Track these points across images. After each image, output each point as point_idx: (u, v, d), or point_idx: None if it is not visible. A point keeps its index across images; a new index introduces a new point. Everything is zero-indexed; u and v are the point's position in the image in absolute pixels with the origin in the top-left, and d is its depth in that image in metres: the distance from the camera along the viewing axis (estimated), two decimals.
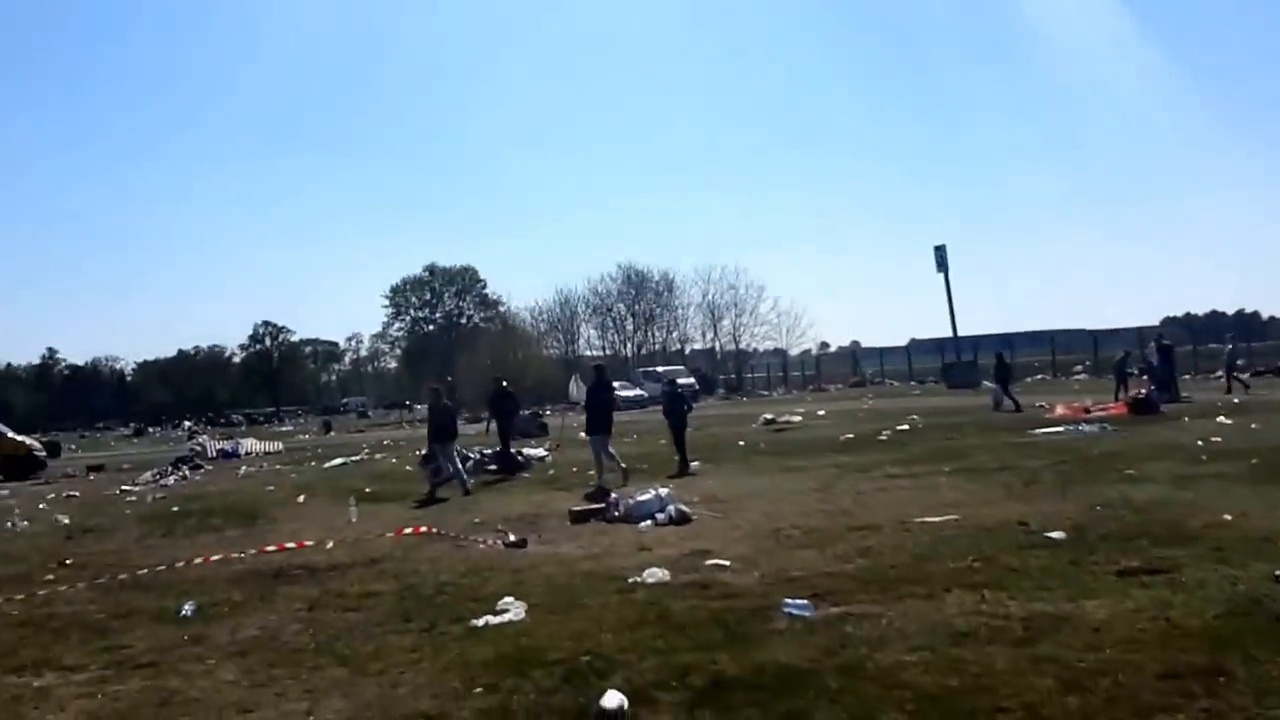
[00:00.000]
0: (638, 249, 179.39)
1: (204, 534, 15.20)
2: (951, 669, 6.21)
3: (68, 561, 13.17)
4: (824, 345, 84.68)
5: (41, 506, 21.10)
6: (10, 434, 34.64)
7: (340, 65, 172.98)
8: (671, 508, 12.88)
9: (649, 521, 12.58)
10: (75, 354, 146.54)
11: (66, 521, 17.82)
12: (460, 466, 18.55)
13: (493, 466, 20.81)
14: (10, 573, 12.69)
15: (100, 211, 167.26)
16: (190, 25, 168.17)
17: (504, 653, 7.26)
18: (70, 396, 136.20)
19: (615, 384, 58.55)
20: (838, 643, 6.93)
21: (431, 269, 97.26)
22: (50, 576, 12.14)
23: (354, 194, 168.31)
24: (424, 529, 13.33)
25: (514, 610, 8.53)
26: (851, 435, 23.83)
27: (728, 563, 9.91)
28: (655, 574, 9.45)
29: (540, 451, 23.05)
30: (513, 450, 21.77)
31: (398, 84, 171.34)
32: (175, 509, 18.62)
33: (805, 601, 8.01)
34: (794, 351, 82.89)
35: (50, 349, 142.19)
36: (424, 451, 19.97)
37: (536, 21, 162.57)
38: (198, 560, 12.25)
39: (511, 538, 12.19)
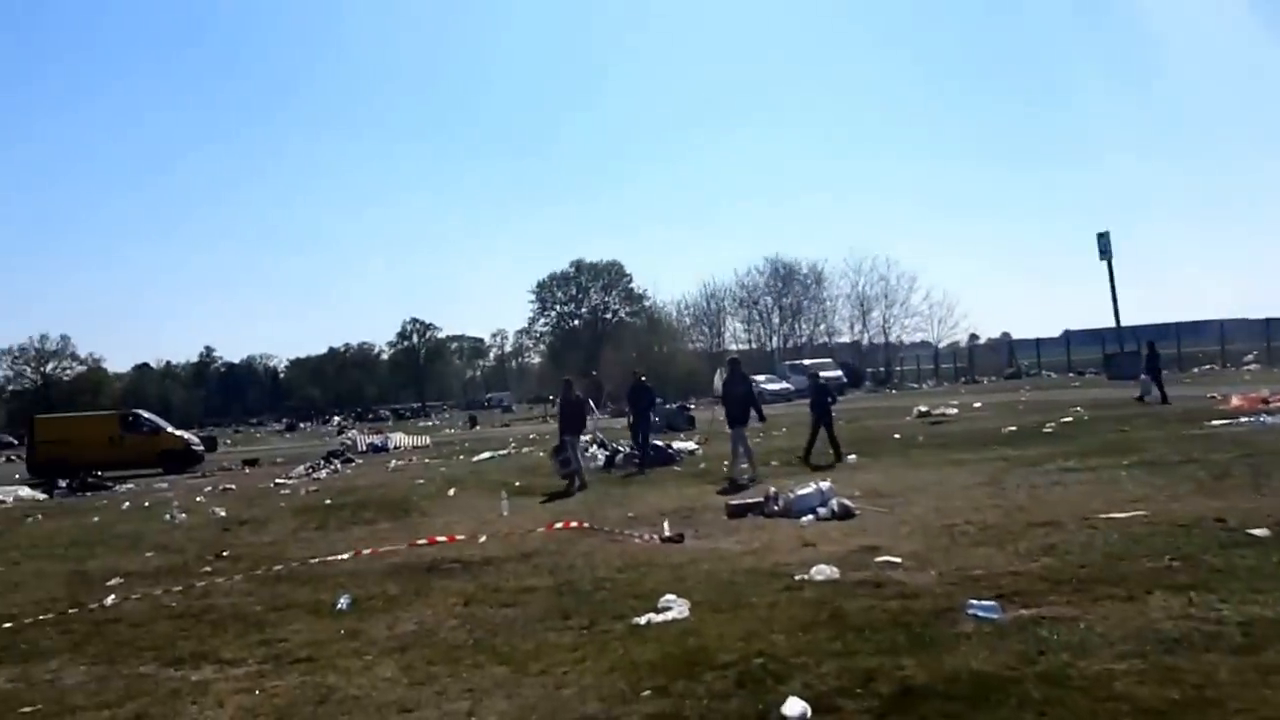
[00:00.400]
0: (786, 241, 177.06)
1: (357, 527, 15.22)
2: (1168, 679, 5.55)
3: (224, 553, 13.27)
4: (973, 337, 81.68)
5: (199, 499, 21.59)
6: (169, 429, 35.92)
7: (484, 62, 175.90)
8: (834, 502, 12.29)
9: (810, 516, 12.01)
10: (231, 352, 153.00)
11: (223, 514, 18.11)
12: (580, 460, 18.44)
13: (637, 460, 20.44)
14: (169, 564, 12.84)
15: (254, 216, 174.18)
16: (335, 30, 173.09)
17: (671, 653, 6.83)
18: (226, 393, 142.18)
19: (760, 377, 58.62)
20: (1034, 649, 6.29)
21: (578, 264, 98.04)
22: (208, 568, 12.21)
23: (500, 191, 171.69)
24: (576, 523, 13.02)
25: (677, 608, 8.09)
26: (1014, 428, 22.69)
27: (899, 560, 9.28)
28: (823, 571, 8.89)
29: (690, 445, 22.61)
30: (662, 443, 21.36)
31: (543, 80, 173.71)
32: (328, 502, 18.79)
33: (992, 603, 7.36)
34: (944, 343, 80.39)
35: (208, 348, 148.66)
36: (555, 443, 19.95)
37: (683, 10, 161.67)
38: (351, 554, 12.18)
39: (667, 532, 11.77)
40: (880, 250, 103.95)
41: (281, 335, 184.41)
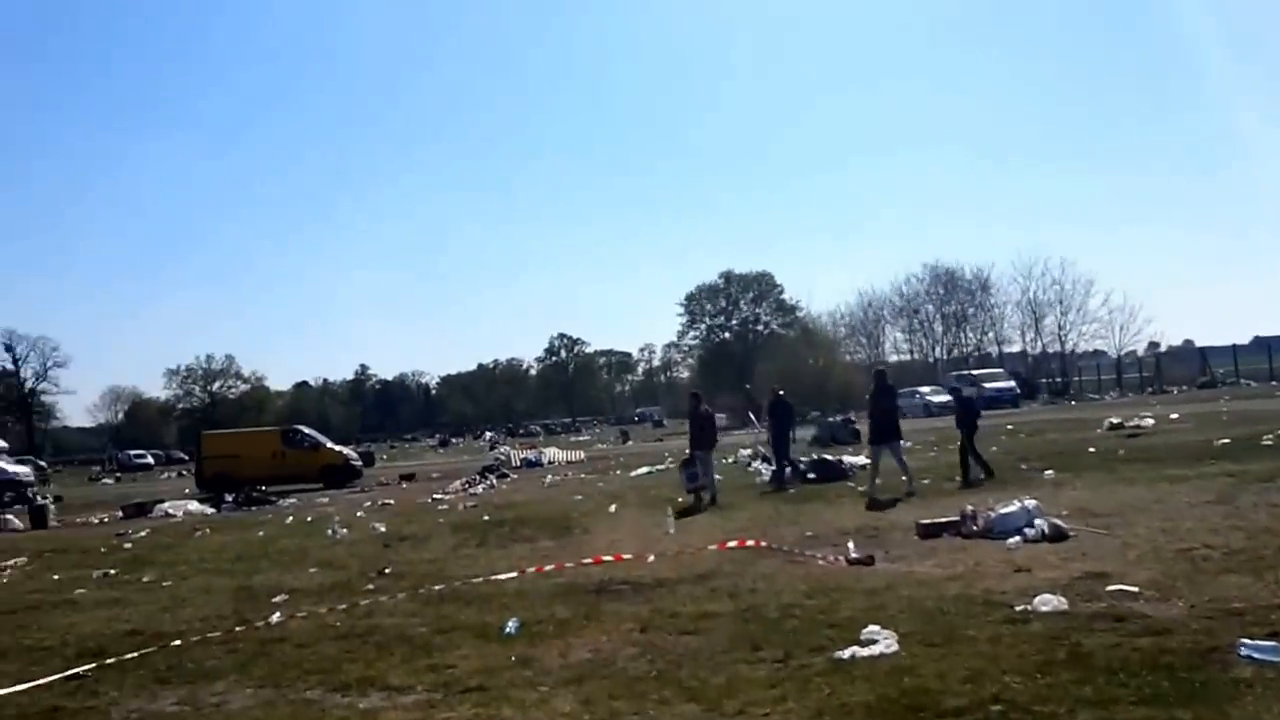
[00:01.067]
0: (946, 247, 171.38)
1: (517, 544, 14.65)
2: None
3: (386, 570, 12.84)
4: (1152, 345, 76.32)
5: (359, 514, 21.44)
6: (329, 444, 36.33)
7: (627, 72, 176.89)
8: (1042, 522, 11.11)
9: (1017, 538, 10.86)
10: (385, 370, 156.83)
11: (383, 530, 17.82)
12: (711, 476, 17.91)
13: (811, 475, 19.44)
14: (332, 581, 12.46)
15: (406, 237, 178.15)
16: (482, 49, 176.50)
17: (886, 695, 5.96)
18: (380, 409, 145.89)
19: (925, 388, 56.66)
20: None
21: (727, 275, 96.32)
22: (370, 586, 11.77)
23: (647, 205, 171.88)
24: (751, 542, 12.14)
25: (883, 641, 7.16)
26: (1226, 440, 20.76)
27: (1136, 589, 8.13)
28: (1049, 601, 7.83)
29: (860, 459, 21.42)
30: (833, 458, 20.33)
31: (692, 90, 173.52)
32: (486, 518, 18.33)
33: (1273, 643, 6.21)
34: (1125, 351, 75.46)
35: (363, 365, 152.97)
36: (684, 457, 19.34)
37: (829, 14, 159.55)
38: (515, 573, 11.56)
39: (854, 553, 10.79)
40: (1053, 253, 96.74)
41: (433, 353, 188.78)
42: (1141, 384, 66.61)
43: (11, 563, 16.45)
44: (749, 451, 26.93)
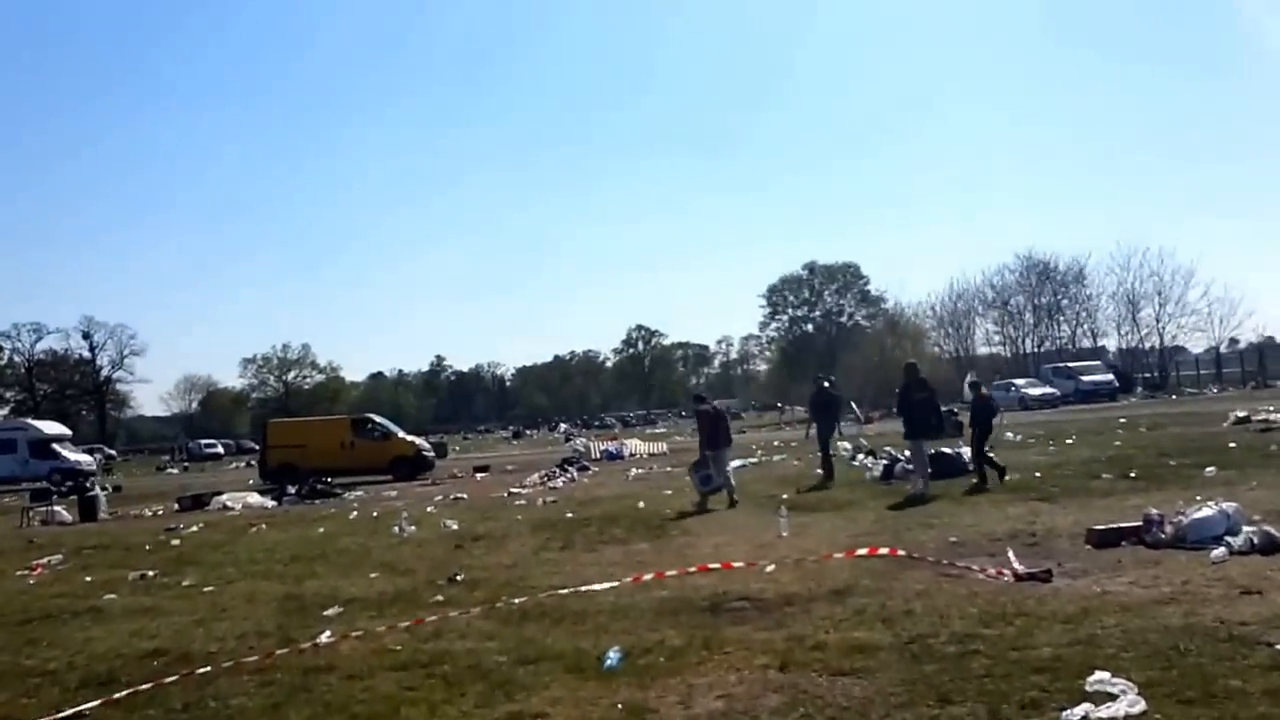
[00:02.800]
0: (1042, 235, 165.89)
1: (608, 546, 12.88)
2: None
3: (458, 577, 11.12)
4: (1233, 341, 72.14)
5: (429, 509, 19.86)
6: (400, 434, 34.85)
7: (712, 68, 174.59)
8: (1249, 530, 9.10)
9: (1221, 549, 8.83)
10: (461, 361, 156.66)
11: (454, 527, 16.19)
12: (730, 477, 17.02)
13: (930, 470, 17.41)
14: (396, 589, 10.79)
15: (484, 229, 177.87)
16: (556, 40, 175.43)
17: None
18: (455, 401, 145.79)
19: (1020, 381, 54.09)
20: None
21: (811, 267, 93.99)
22: (439, 596, 10.08)
23: (728, 196, 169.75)
24: (887, 550, 10.22)
25: (1123, 696, 5.35)
26: None
27: None
28: None
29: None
30: (952, 451, 18.26)
31: (774, 81, 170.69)
32: (570, 515, 16.60)
33: None
34: (1225, 344, 71.64)
35: (438, 356, 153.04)
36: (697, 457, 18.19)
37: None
38: (609, 583, 9.78)
39: (1017, 565, 8.85)
40: (1151, 243, 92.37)
41: (509, 344, 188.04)
42: (1243, 378, 63.09)
43: (45, 560, 14.98)
44: (850, 445, 24.91)
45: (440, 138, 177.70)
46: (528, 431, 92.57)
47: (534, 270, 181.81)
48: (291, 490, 26.13)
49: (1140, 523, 9.87)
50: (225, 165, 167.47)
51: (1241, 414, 26.29)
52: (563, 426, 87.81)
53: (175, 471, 56.69)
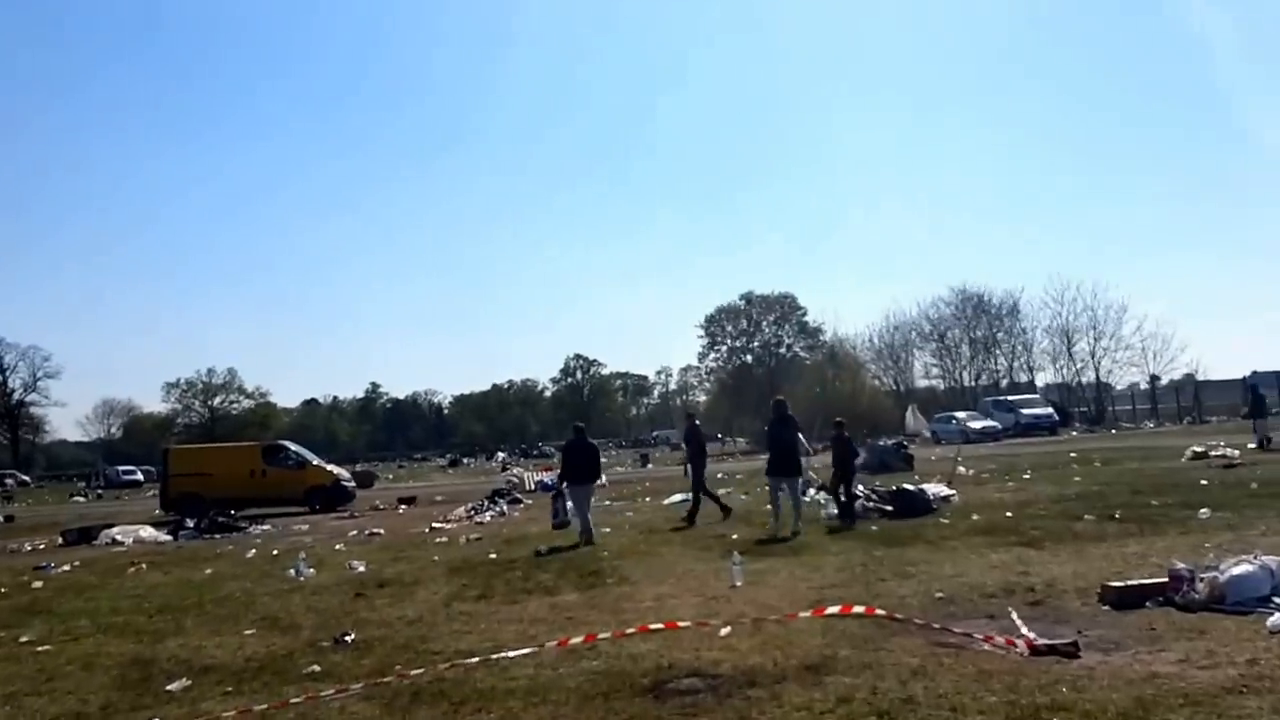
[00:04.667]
0: (976, 270, 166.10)
1: (532, 597, 11.03)
2: None
3: (347, 637, 9.22)
4: (1154, 379, 71.61)
5: (338, 547, 17.90)
6: (317, 462, 32.54)
7: (648, 98, 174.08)
8: None
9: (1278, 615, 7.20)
10: (397, 388, 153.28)
11: (361, 569, 14.32)
12: (588, 516, 16.02)
13: (889, 507, 15.81)
14: (268, 653, 8.91)
15: (420, 255, 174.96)
16: (516, 66, 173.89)
17: None
18: (391, 428, 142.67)
19: (961, 414, 53.02)
20: None
21: (748, 297, 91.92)
22: (317, 665, 8.20)
23: (667, 227, 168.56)
24: (862, 608, 8.50)
25: None
26: None
27: None
28: None
29: (944, 490, 17.73)
30: (913, 487, 16.69)
31: (712, 113, 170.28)
32: (493, 555, 14.75)
33: None
34: (1157, 381, 71.19)
35: (374, 384, 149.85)
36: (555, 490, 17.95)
37: (852, 33, 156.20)
38: (528, 649, 7.96)
39: (1028, 633, 7.17)
40: (1084, 278, 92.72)
41: (446, 372, 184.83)
42: (1179, 413, 62.79)
43: None
44: (801, 480, 23.16)
45: (373, 161, 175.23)
46: (465, 460, 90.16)
47: (472, 298, 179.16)
48: (190, 524, 23.83)
49: (1166, 579, 8.23)
50: (144, 180, 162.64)
51: (1199, 449, 25.22)
52: (500, 455, 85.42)
53: (83, 500, 53.45)
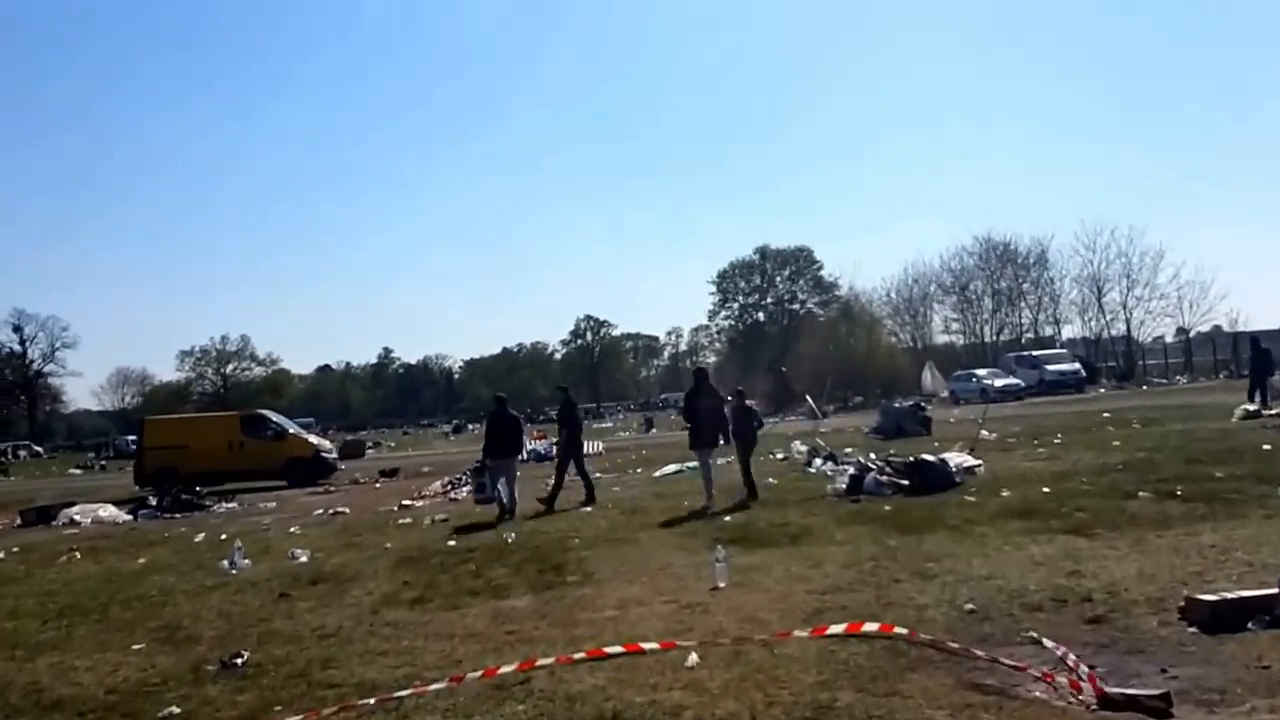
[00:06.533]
0: (1004, 218, 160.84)
1: (476, 600, 9.23)
2: None
3: (238, 659, 7.46)
4: (1181, 331, 67.89)
5: (292, 530, 16.16)
6: (299, 433, 30.97)
7: (658, 52, 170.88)
8: None
9: None
10: (409, 353, 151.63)
11: (302, 560, 12.58)
12: (514, 491, 15.60)
13: (905, 482, 13.92)
14: (139, 679, 7.32)
15: (433, 219, 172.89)
16: (531, 33, 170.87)
17: None
18: (403, 394, 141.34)
19: (981, 371, 50.82)
20: None
21: (763, 251, 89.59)
22: (176, 709, 6.42)
23: (679, 183, 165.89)
24: (875, 625, 6.66)
25: None
26: None
27: None
28: None
29: (968, 460, 15.78)
30: (933, 458, 14.76)
31: (723, 69, 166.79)
32: (451, 543, 12.94)
33: None
34: (1191, 331, 66.63)
35: (386, 349, 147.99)
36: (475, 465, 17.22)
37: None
38: (444, 681, 6.22)
39: (1085, 672, 5.31)
40: (1119, 223, 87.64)
41: (458, 336, 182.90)
42: (1215, 367, 59.67)
43: None
44: (805, 448, 21.29)
45: (385, 126, 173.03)
46: (469, 426, 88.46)
47: (486, 261, 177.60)
48: (152, 501, 22.14)
49: (1276, 589, 6.32)
50: (156, 150, 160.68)
51: (1250, 408, 23.01)
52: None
53: (79, 472, 52.03)
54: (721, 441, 15.14)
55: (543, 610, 8.47)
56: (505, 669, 6.49)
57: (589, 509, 15.71)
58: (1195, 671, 5.45)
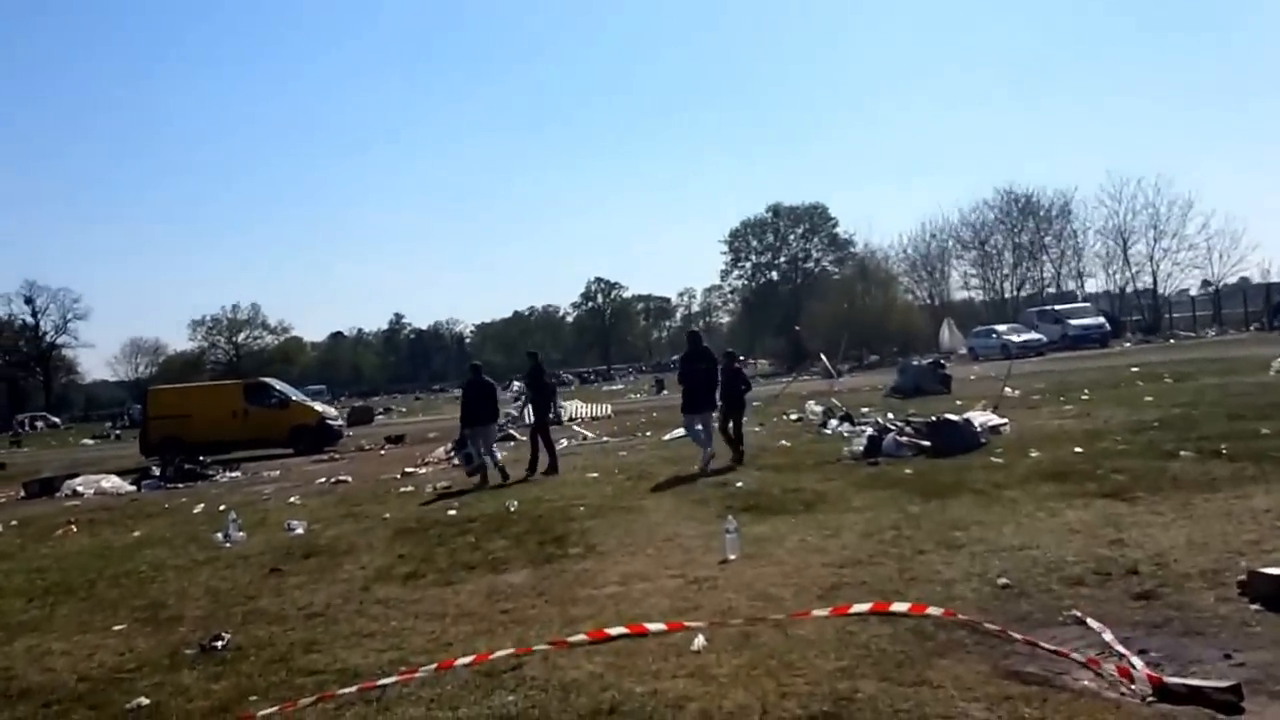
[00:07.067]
0: (1024, 170, 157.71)
1: (472, 575, 8.71)
2: None
3: (219, 642, 7.01)
4: (1206, 284, 66.33)
5: (292, 500, 15.71)
6: (303, 400, 30.51)
7: (673, 8, 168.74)
8: None
9: None
10: (420, 318, 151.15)
11: (299, 532, 12.11)
12: (495, 455, 15.86)
13: (927, 443, 13.30)
14: (114, 664, 6.92)
15: (441, 182, 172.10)
16: None
17: None
18: (415, 359, 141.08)
19: (1002, 327, 49.91)
20: None
21: (775, 209, 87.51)
22: (145, 699, 5.96)
23: (689, 141, 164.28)
24: (905, 606, 6.10)
25: None
26: None
27: None
28: None
29: (993, 419, 15.09)
30: (956, 418, 14.14)
31: (733, 23, 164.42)
32: (451, 512, 12.42)
33: None
34: (1220, 283, 65.54)
35: (397, 315, 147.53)
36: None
37: None
38: (431, 667, 5.76)
39: (1137, 662, 4.75)
40: (1146, 172, 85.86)
41: (469, 300, 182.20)
42: (1245, 319, 58.22)
43: None
44: (820, 409, 20.68)
45: (389, 85, 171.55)
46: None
47: (494, 223, 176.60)
48: (155, 472, 21.77)
49: None
50: (162, 117, 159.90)
51: None
52: (516, 385, 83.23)
53: (91, 443, 51.76)
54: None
55: (541, 586, 7.93)
56: (498, 653, 5.98)
57: (532, 477, 15.50)
58: (1265, 657, 4.86)
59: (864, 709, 4.62)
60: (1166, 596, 6.00)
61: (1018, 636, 5.35)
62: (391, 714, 5.21)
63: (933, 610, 5.93)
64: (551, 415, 18.14)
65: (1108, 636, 5.23)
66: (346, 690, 5.59)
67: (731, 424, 15.09)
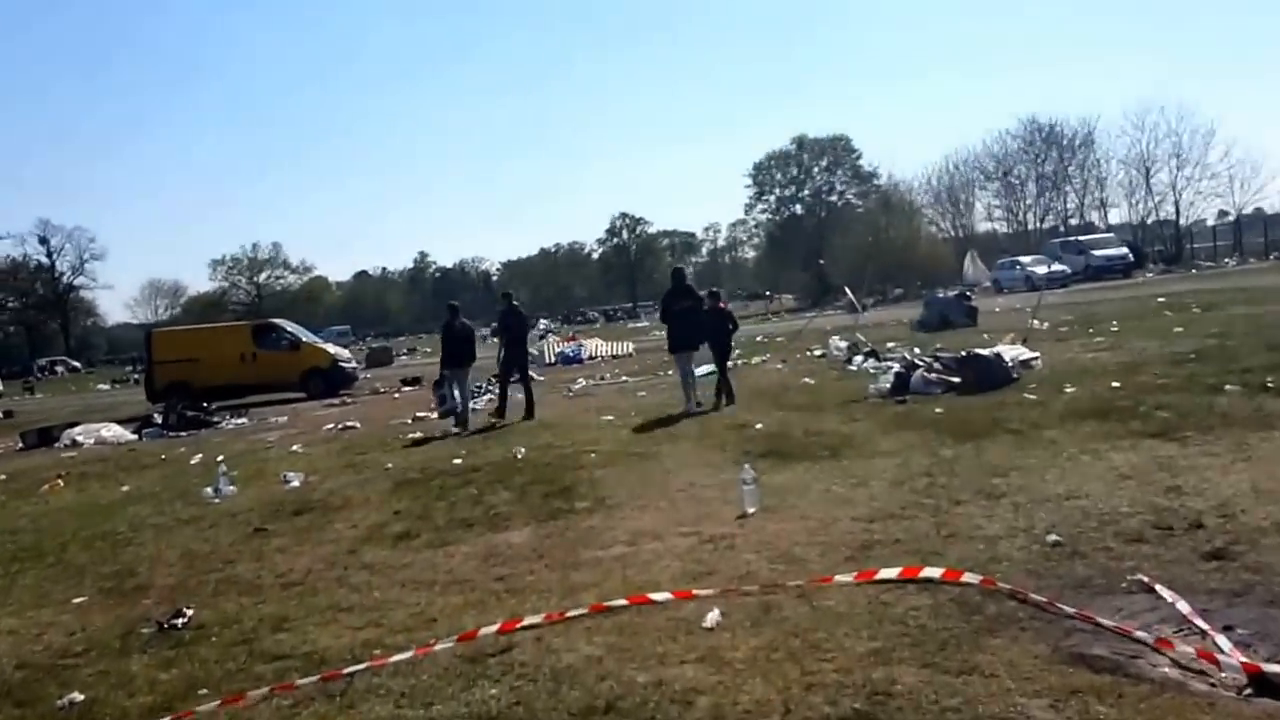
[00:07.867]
0: (1046, 97, 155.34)
1: (470, 532, 8.05)
2: None
3: (179, 619, 6.34)
4: (1222, 214, 64.98)
5: (294, 448, 15.09)
6: (315, 342, 29.72)
7: None
8: None
9: None
10: (445, 257, 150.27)
11: (295, 484, 11.48)
12: (468, 399, 15.99)
13: (956, 379, 12.51)
14: (61, 647, 6.25)
15: (466, 119, 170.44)
16: None
17: None
18: (440, 298, 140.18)
19: (1025, 259, 48.83)
20: None
21: (800, 141, 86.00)
22: (79, 694, 5.25)
23: (711, 74, 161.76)
24: (937, 571, 5.37)
25: None
26: None
27: None
28: None
29: (1024, 352, 14.22)
30: (986, 352, 13.33)
31: None
32: (456, 460, 11.70)
33: None
34: (1241, 212, 64.07)
35: (422, 253, 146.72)
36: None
37: None
38: (410, 651, 5.10)
39: (1227, 646, 4.03)
40: (1168, 100, 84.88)
41: (495, 238, 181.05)
42: (1266, 248, 57.25)
43: None
44: (844, 344, 19.87)
45: (413, 21, 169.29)
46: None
47: (520, 159, 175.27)
48: (158, 419, 21.15)
49: None
50: (182, 55, 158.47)
51: None
52: (542, 323, 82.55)
53: (105, 388, 51.40)
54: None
55: (542, 547, 7.24)
56: (485, 630, 5.30)
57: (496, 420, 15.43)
58: None
59: (904, 706, 3.91)
60: (1242, 556, 5.24)
61: (1061, 608, 4.61)
62: (355, 712, 4.54)
63: (969, 578, 5.19)
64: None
65: (1183, 607, 4.50)
66: (307, 680, 4.91)
67: (718, 369, 14.95)
